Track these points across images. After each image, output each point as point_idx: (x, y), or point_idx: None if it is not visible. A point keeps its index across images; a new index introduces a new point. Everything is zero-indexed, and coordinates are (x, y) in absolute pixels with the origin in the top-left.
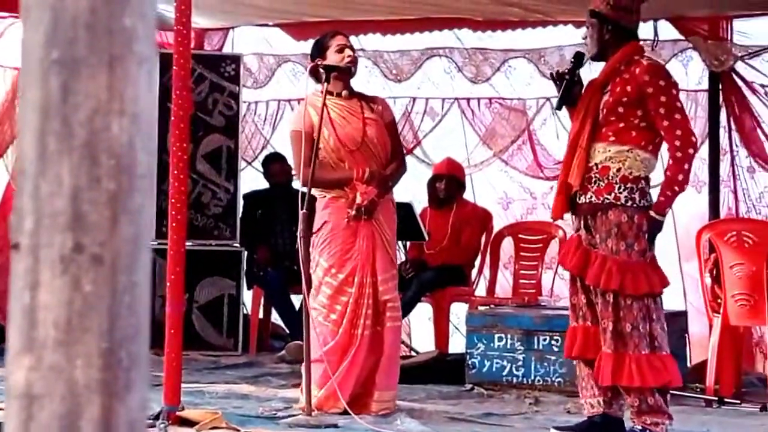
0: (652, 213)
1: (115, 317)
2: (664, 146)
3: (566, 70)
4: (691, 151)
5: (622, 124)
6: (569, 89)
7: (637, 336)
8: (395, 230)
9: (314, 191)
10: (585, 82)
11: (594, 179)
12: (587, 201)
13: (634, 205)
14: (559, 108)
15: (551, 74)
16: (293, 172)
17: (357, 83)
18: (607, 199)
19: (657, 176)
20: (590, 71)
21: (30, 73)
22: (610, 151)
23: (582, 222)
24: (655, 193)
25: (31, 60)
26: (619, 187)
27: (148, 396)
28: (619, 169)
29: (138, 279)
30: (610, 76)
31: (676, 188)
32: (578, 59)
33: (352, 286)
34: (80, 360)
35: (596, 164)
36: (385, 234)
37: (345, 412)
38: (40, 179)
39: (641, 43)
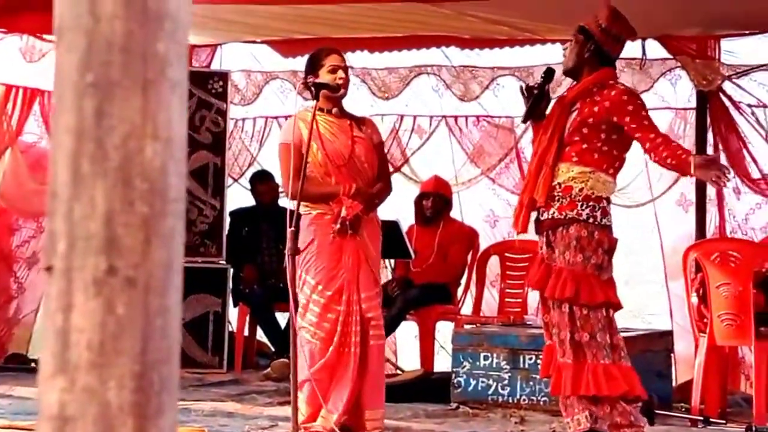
0: (691, 163)
1: (147, 340)
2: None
3: (535, 85)
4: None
5: (585, 146)
6: (536, 104)
7: (594, 346)
8: (379, 250)
9: (293, 206)
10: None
11: (557, 197)
12: (549, 217)
13: (596, 222)
14: (524, 121)
15: (520, 88)
16: (280, 189)
17: (346, 99)
18: (569, 214)
19: None
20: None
21: (64, 96)
22: (573, 171)
23: (545, 239)
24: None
25: (65, 83)
26: (582, 205)
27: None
28: (581, 189)
29: (170, 302)
30: (579, 96)
31: (679, 151)
32: (548, 75)
33: (340, 304)
34: (113, 382)
35: (559, 183)
36: (370, 252)
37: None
38: (74, 202)
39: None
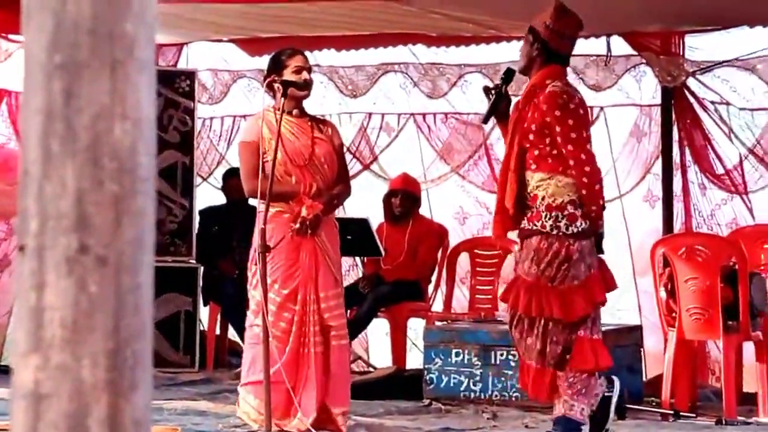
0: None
1: (120, 317)
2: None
3: (495, 85)
4: (585, 180)
5: (536, 152)
6: (496, 104)
7: (526, 348)
8: (339, 251)
9: (258, 205)
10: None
11: (528, 206)
12: (523, 227)
13: (559, 233)
14: (485, 121)
15: (483, 88)
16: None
17: (312, 98)
18: (534, 226)
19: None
20: None
21: (33, 77)
22: (535, 178)
23: (519, 245)
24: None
25: (34, 64)
26: (546, 216)
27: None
28: (543, 198)
29: (141, 280)
30: (526, 99)
31: (593, 208)
32: (508, 75)
33: (296, 304)
34: (87, 359)
35: (528, 192)
36: (329, 252)
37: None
38: (45, 181)
39: (594, 58)
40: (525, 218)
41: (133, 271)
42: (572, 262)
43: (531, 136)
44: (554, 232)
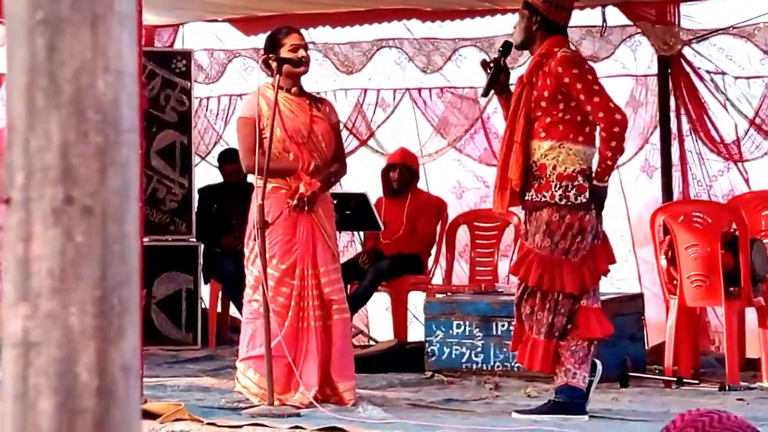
0: (594, 182)
1: (106, 265)
2: None
3: (493, 58)
4: (615, 129)
5: (548, 119)
6: (496, 76)
7: (536, 321)
8: (334, 226)
9: (255, 181)
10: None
11: (535, 176)
12: (529, 198)
13: (568, 203)
14: (485, 94)
15: (481, 62)
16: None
17: (308, 75)
18: (544, 197)
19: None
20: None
21: (15, 33)
22: (543, 147)
23: (525, 216)
24: None
25: (16, 20)
26: (555, 185)
27: (139, 341)
28: (554, 167)
29: (127, 229)
30: (534, 70)
31: (609, 162)
32: (506, 48)
33: (294, 278)
34: (74, 307)
35: (535, 162)
36: (325, 228)
37: (310, 405)
38: (30, 135)
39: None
40: (532, 189)
41: (118, 221)
42: (585, 234)
43: (543, 103)
44: (563, 202)
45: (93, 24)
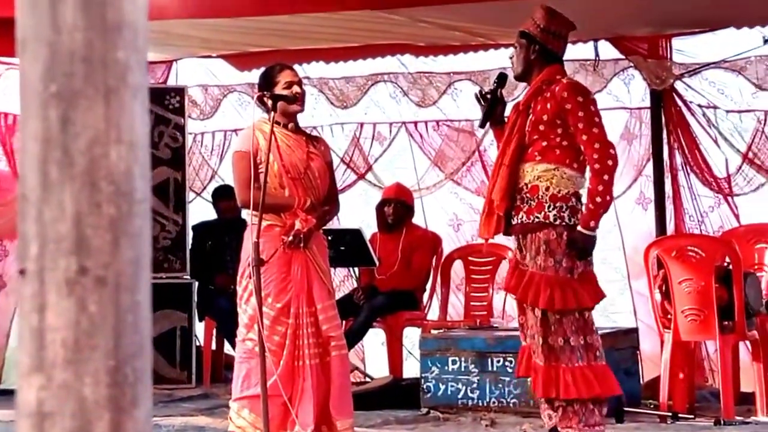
0: (579, 228)
1: (120, 335)
2: None
3: (489, 90)
4: (609, 162)
5: (545, 143)
6: (492, 108)
7: (569, 350)
8: (328, 263)
9: (249, 218)
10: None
11: (525, 199)
12: (519, 222)
13: (563, 223)
14: (482, 126)
15: (475, 95)
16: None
17: (304, 110)
18: (537, 218)
19: None
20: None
21: (29, 105)
22: (537, 170)
23: (516, 242)
24: None
25: (30, 93)
26: (549, 206)
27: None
28: (547, 188)
29: (140, 298)
30: (532, 96)
31: (598, 199)
32: (501, 80)
33: (289, 317)
34: (89, 378)
35: (526, 184)
36: (320, 265)
37: None
38: (43, 206)
39: (582, 62)
40: (521, 212)
41: (131, 291)
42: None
43: (541, 127)
44: (558, 222)
45: (106, 97)
